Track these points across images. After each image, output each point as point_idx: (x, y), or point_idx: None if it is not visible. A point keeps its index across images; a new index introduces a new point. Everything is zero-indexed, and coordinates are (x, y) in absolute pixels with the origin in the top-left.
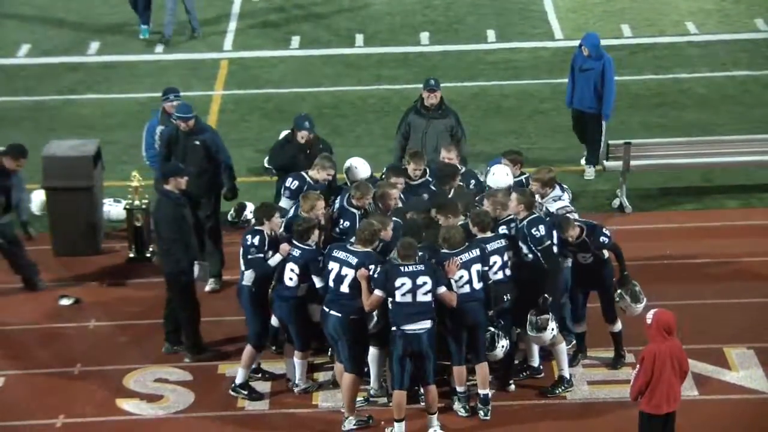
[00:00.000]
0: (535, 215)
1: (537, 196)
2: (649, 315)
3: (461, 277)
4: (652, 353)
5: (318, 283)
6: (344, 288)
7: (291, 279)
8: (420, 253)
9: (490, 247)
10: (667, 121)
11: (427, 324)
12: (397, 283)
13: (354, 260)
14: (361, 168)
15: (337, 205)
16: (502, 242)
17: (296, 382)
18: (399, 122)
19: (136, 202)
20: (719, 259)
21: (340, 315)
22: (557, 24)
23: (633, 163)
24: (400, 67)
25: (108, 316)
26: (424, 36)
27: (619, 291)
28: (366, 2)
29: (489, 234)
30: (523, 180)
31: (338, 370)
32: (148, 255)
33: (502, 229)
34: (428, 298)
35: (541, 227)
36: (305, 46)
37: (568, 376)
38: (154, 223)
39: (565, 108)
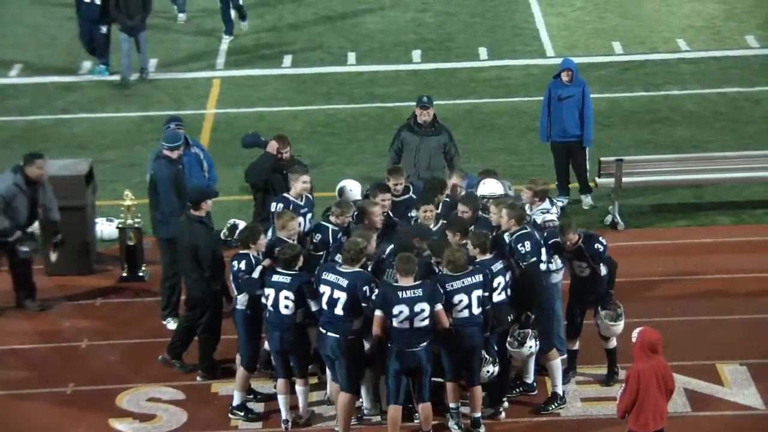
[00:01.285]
0: (524, 231)
1: (526, 206)
2: (635, 333)
3: (461, 302)
4: (636, 372)
5: (313, 306)
6: (338, 311)
7: (287, 307)
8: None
9: (495, 268)
10: (658, 138)
11: (424, 343)
12: (395, 310)
13: (345, 282)
14: (356, 190)
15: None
16: (504, 263)
17: (300, 412)
18: (392, 139)
19: (129, 221)
20: (711, 275)
21: (338, 336)
22: (549, 42)
23: (625, 179)
24: (393, 85)
25: (100, 336)
26: (416, 54)
27: (599, 309)
28: (358, 21)
29: (488, 255)
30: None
31: (334, 389)
32: (141, 274)
33: (507, 236)
34: (426, 323)
35: (527, 243)
36: (297, 65)
37: (561, 393)
38: (191, 250)
39: None
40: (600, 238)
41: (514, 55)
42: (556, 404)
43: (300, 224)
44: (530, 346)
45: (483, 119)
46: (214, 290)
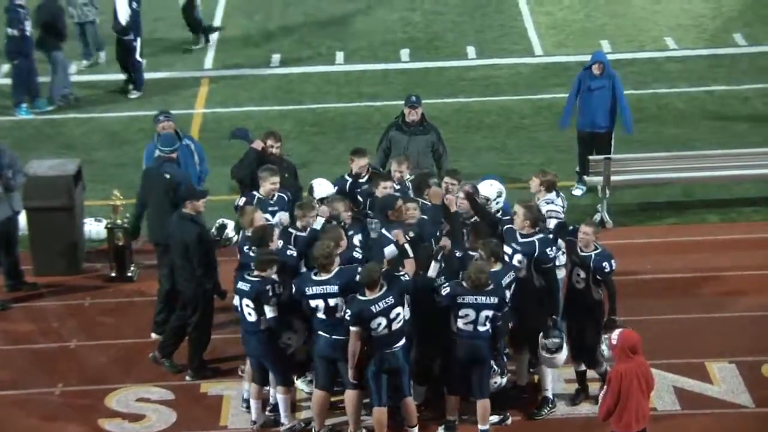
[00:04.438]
0: (547, 236)
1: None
2: (614, 335)
3: (467, 315)
4: (618, 374)
5: (269, 313)
6: (340, 314)
7: (250, 314)
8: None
9: (505, 282)
10: (646, 136)
11: (401, 342)
12: (373, 324)
13: (335, 287)
14: (324, 186)
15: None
16: (513, 275)
17: (282, 420)
18: (380, 138)
19: (118, 221)
20: (700, 273)
21: (343, 337)
22: (537, 40)
23: (613, 178)
24: (381, 84)
25: (89, 336)
26: (405, 53)
27: (603, 337)
28: (346, 20)
29: (498, 265)
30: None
31: (316, 396)
32: (129, 274)
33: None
34: (401, 324)
35: (554, 248)
36: (286, 64)
37: (551, 396)
38: (182, 247)
39: (546, 124)
40: (612, 260)
41: (503, 54)
42: (548, 408)
43: (269, 220)
44: (566, 351)
45: (471, 118)
46: (204, 289)
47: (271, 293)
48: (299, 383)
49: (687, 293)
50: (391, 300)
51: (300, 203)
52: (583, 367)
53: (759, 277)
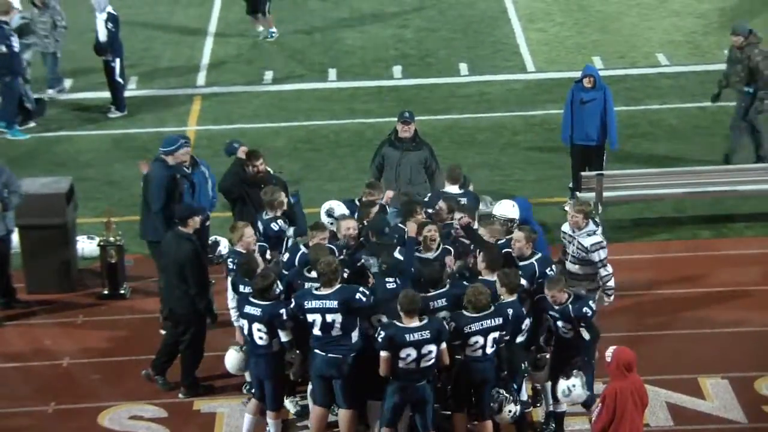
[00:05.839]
0: (544, 255)
1: (571, 229)
2: (609, 353)
3: (476, 343)
4: (613, 392)
5: (283, 337)
6: (336, 332)
7: (261, 338)
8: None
9: (525, 309)
10: (639, 153)
11: (427, 379)
12: (402, 353)
13: (335, 302)
14: (342, 207)
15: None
16: (529, 302)
17: None
18: (373, 155)
19: (110, 239)
20: (693, 288)
21: (340, 356)
22: (529, 57)
23: (606, 194)
24: (374, 100)
25: (82, 354)
26: (397, 70)
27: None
28: (338, 36)
29: (514, 296)
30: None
31: (315, 413)
32: (122, 292)
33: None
34: (432, 362)
35: (553, 267)
36: (278, 81)
37: (554, 410)
38: (177, 266)
39: (538, 140)
40: (590, 302)
41: (495, 70)
42: (554, 423)
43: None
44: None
45: (464, 134)
46: (198, 308)
47: (285, 317)
48: (287, 402)
49: (680, 308)
50: (427, 335)
51: (314, 224)
52: (563, 408)
53: (751, 292)
